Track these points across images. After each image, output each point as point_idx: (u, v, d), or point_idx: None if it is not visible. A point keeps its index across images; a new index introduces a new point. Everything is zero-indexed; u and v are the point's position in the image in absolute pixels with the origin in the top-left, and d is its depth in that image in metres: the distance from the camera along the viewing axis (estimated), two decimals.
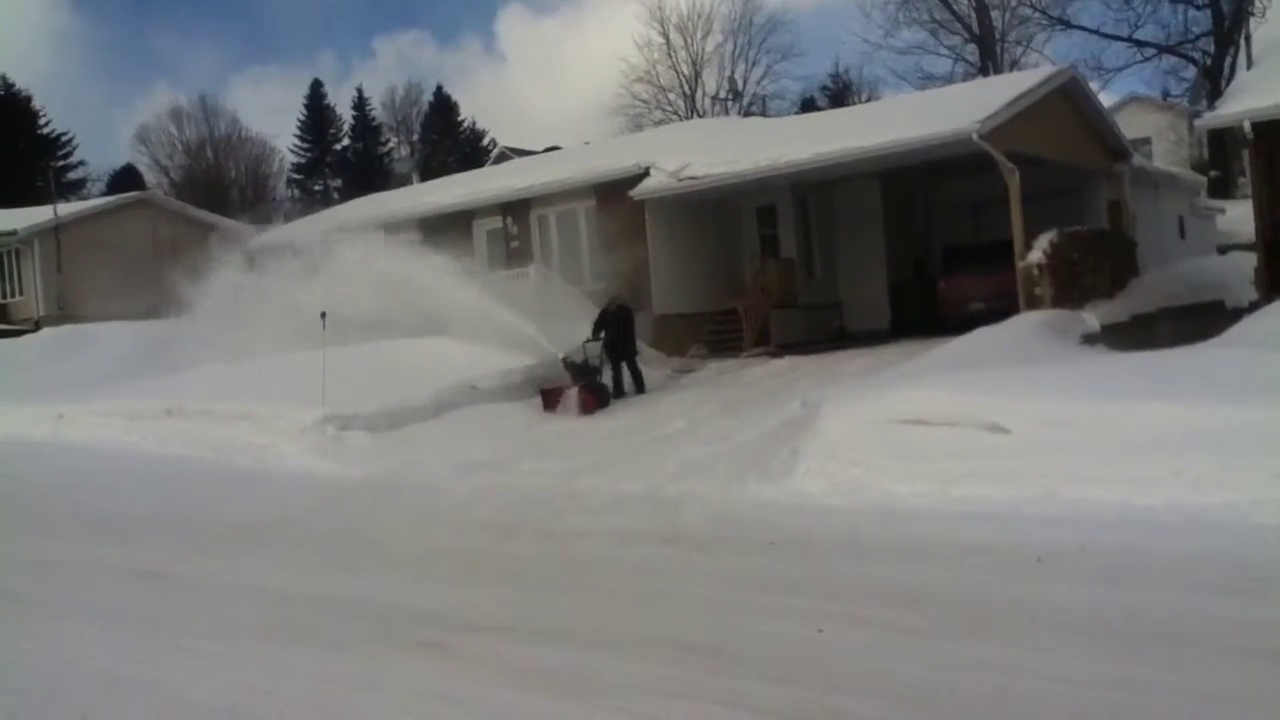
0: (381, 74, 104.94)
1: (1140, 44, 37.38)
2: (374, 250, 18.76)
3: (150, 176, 60.01)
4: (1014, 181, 16.66)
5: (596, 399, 15.41)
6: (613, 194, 20.71)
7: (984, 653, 5.26)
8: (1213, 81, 34.33)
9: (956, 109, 17.34)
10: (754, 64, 52.62)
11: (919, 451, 9.05)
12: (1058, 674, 4.89)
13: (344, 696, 5.29)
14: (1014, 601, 6.06)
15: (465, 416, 14.76)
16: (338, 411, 14.03)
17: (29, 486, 13.13)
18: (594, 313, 17.15)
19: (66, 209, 35.88)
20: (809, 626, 5.78)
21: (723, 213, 21.94)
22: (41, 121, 58.94)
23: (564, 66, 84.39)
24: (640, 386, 16.49)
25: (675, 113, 51.22)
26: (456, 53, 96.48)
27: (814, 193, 21.98)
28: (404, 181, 49.33)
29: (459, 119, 70.23)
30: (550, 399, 15.39)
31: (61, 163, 57.36)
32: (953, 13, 42.91)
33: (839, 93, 56.80)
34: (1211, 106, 22.25)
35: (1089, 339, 14.94)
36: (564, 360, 15.90)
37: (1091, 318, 15.93)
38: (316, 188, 68.12)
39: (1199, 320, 15.28)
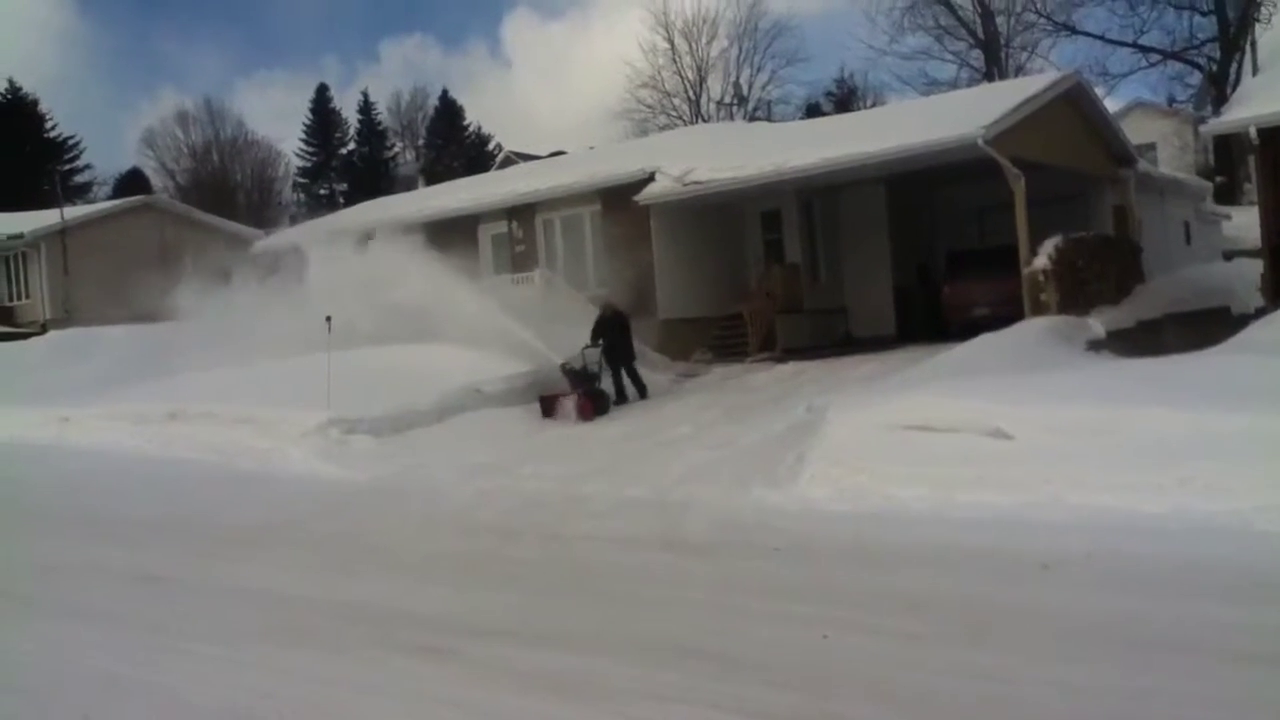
0: (387, 78, 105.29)
1: (1145, 50, 37.34)
2: (377, 255, 18.77)
3: (156, 180, 60.26)
4: (1019, 187, 16.64)
5: (595, 406, 15.38)
6: (618, 199, 20.72)
7: (987, 659, 5.25)
8: (1218, 87, 34.29)
9: (962, 114, 17.32)
10: (759, 69, 52.72)
11: (924, 457, 9.03)
12: (1061, 681, 4.88)
13: (345, 700, 5.29)
14: (1018, 608, 6.05)
15: (469, 421, 14.77)
16: (342, 415, 14.03)
17: (33, 489, 13.15)
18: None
19: (73, 212, 36.03)
20: (812, 632, 5.77)
21: (728, 218, 21.94)
22: (48, 125, 59.10)
23: (569, 71, 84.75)
24: (642, 392, 16.45)
25: (680, 118, 51.26)
26: (462, 57, 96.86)
27: (819, 198, 21.97)
28: (409, 186, 49.53)
29: (464, 123, 70.41)
30: (548, 405, 15.37)
31: (68, 166, 57.50)
32: (958, 18, 42.95)
33: (844, 98, 56.79)
34: (1217, 112, 22.20)
35: (1094, 345, 14.91)
36: (563, 367, 15.86)
37: (1097, 324, 15.90)
38: (322, 192, 68.25)
39: (1205, 326, 15.25)
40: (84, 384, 18.61)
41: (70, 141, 59.54)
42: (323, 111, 68.90)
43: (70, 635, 6.73)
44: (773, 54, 52.35)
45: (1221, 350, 11.34)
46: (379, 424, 14.15)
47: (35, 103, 58.95)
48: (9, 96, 58.05)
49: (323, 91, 69.54)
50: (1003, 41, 42.84)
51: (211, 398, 15.72)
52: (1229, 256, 26.51)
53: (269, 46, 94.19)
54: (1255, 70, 17.93)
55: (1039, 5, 39.94)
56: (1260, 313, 14.59)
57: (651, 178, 20.28)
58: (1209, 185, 29.90)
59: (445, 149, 67.98)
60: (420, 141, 70.22)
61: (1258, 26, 28.80)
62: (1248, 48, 33.73)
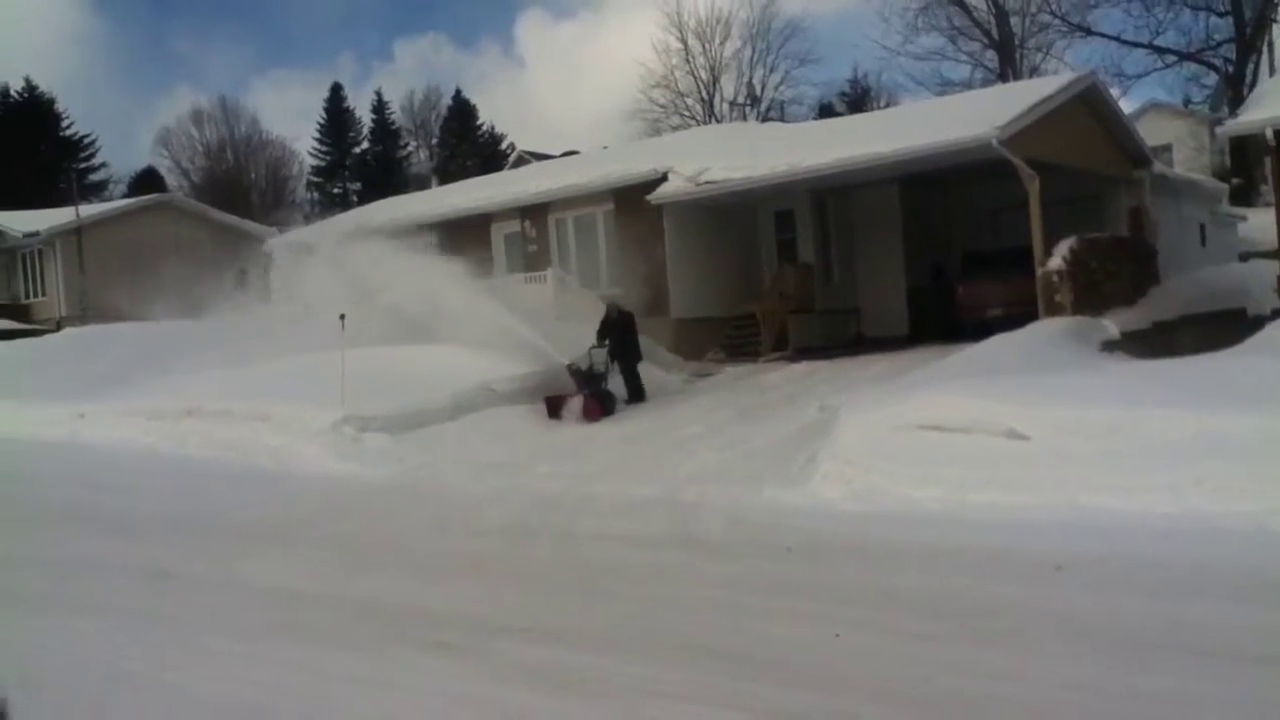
0: (401, 77, 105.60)
1: (1161, 51, 37.18)
2: (389, 255, 18.81)
3: (171, 179, 60.59)
4: (1034, 188, 16.59)
5: (601, 406, 15.35)
6: (631, 198, 20.73)
7: (999, 659, 5.24)
8: (1234, 88, 34.12)
9: (976, 115, 17.27)
10: (772, 69, 52.62)
11: (937, 458, 9.02)
12: (1073, 681, 4.86)
13: (357, 696, 5.31)
14: (1031, 609, 6.04)
15: (482, 419, 14.78)
16: (356, 413, 14.07)
17: (48, 485, 13.21)
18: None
19: (88, 211, 36.27)
20: (824, 631, 5.77)
21: (741, 218, 21.93)
22: (64, 124, 59.52)
23: (582, 71, 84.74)
24: (639, 395, 16.30)
25: (693, 118, 51.23)
26: (475, 56, 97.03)
27: (832, 198, 21.94)
28: (422, 185, 49.63)
29: (478, 123, 70.51)
30: (554, 406, 15.33)
31: (83, 165, 57.88)
32: (972, 19, 42.81)
33: (857, 98, 56.69)
34: (1233, 113, 22.07)
35: (1109, 346, 14.86)
36: (569, 367, 15.81)
37: (1111, 325, 15.83)
38: (336, 190, 68.49)
39: (1220, 328, 15.17)
40: (99, 381, 18.68)
41: (86, 140, 60.02)
42: (337, 110, 69.12)
43: (83, 630, 6.76)
44: (786, 54, 52.32)
45: (1237, 352, 11.29)
46: (392, 422, 14.18)
47: (51, 101, 59.42)
48: (25, 95, 58.47)
49: (337, 90, 69.88)
50: (1017, 42, 42.68)
51: (226, 395, 15.77)
52: (1245, 258, 26.35)
53: (284, 45, 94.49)
54: (1272, 71, 17.86)
55: (1054, 6, 39.86)
56: (1276, 314, 14.52)
57: (664, 177, 20.28)
58: (1225, 187, 29.72)
59: (458, 148, 68.10)
60: (433, 141, 70.38)
61: (1275, 27, 28.65)
62: (1264, 48, 33.61)
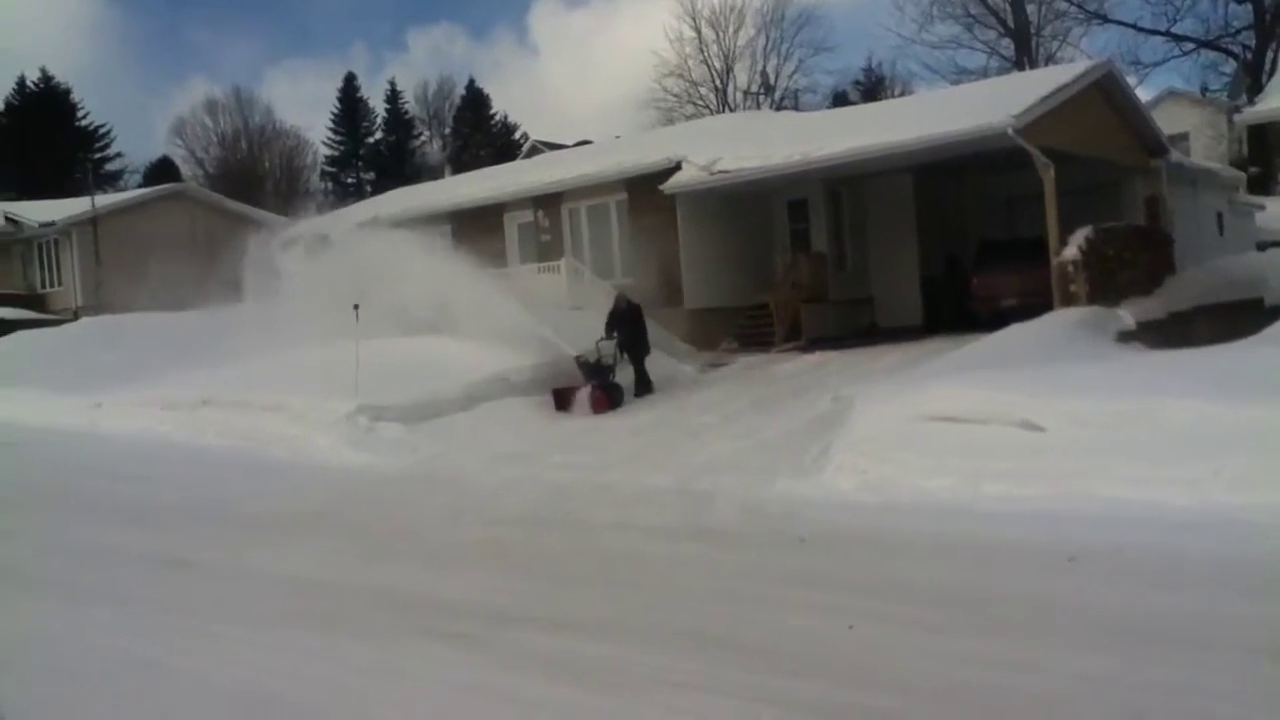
0: (414, 67, 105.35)
1: (1179, 38, 36.87)
2: (401, 246, 18.80)
3: (186, 169, 60.75)
4: (1049, 177, 16.49)
5: (609, 398, 15.29)
6: (644, 188, 20.70)
7: (1013, 651, 5.22)
8: (1253, 76, 33.82)
9: (991, 103, 17.15)
10: (786, 58, 52.40)
11: (951, 449, 8.99)
12: (1087, 674, 4.85)
13: (371, 684, 5.33)
14: (1046, 601, 6.02)
15: (494, 409, 14.79)
16: (370, 403, 14.11)
17: (65, 475, 13.31)
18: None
19: (104, 201, 36.41)
20: (837, 622, 5.76)
21: (754, 207, 21.87)
22: (80, 114, 59.74)
23: (596, 60, 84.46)
24: (647, 387, 16.20)
25: (706, 107, 51.08)
26: (489, 46, 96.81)
27: (846, 187, 21.86)
28: (436, 175, 49.66)
29: (491, 113, 70.44)
30: (562, 398, 15.30)
31: (99, 155, 58.12)
32: (987, 7, 42.49)
33: (872, 87, 56.45)
34: (1251, 101, 21.92)
35: (1125, 336, 14.76)
36: (577, 359, 15.74)
37: (1127, 315, 15.73)
38: (349, 180, 68.56)
39: (1237, 318, 15.06)
40: (116, 370, 18.79)
41: (101, 130, 60.24)
42: (350, 100, 69.15)
43: (100, 619, 6.81)
44: (800, 43, 52.11)
45: (1254, 342, 11.22)
46: (406, 412, 14.22)
47: (67, 92, 59.65)
48: (41, 86, 58.69)
49: (350, 80, 69.87)
50: (1033, 30, 42.37)
51: (242, 385, 15.84)
52: (1262, 247, 26.14)
53: (298, 35, 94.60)
54: None
55: None
56: None
57: (678, 167, 20.23)
58: (1243, 176, 29.50)
59: (472, 138, 68.06)
60: (447, 131, 70.33)
61: None
62: None
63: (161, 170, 58.45)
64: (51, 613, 7.01)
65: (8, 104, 57.63)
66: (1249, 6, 35.28)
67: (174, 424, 15.49)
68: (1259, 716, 4.43)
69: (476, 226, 23.55)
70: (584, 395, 15.18)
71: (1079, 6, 39.61)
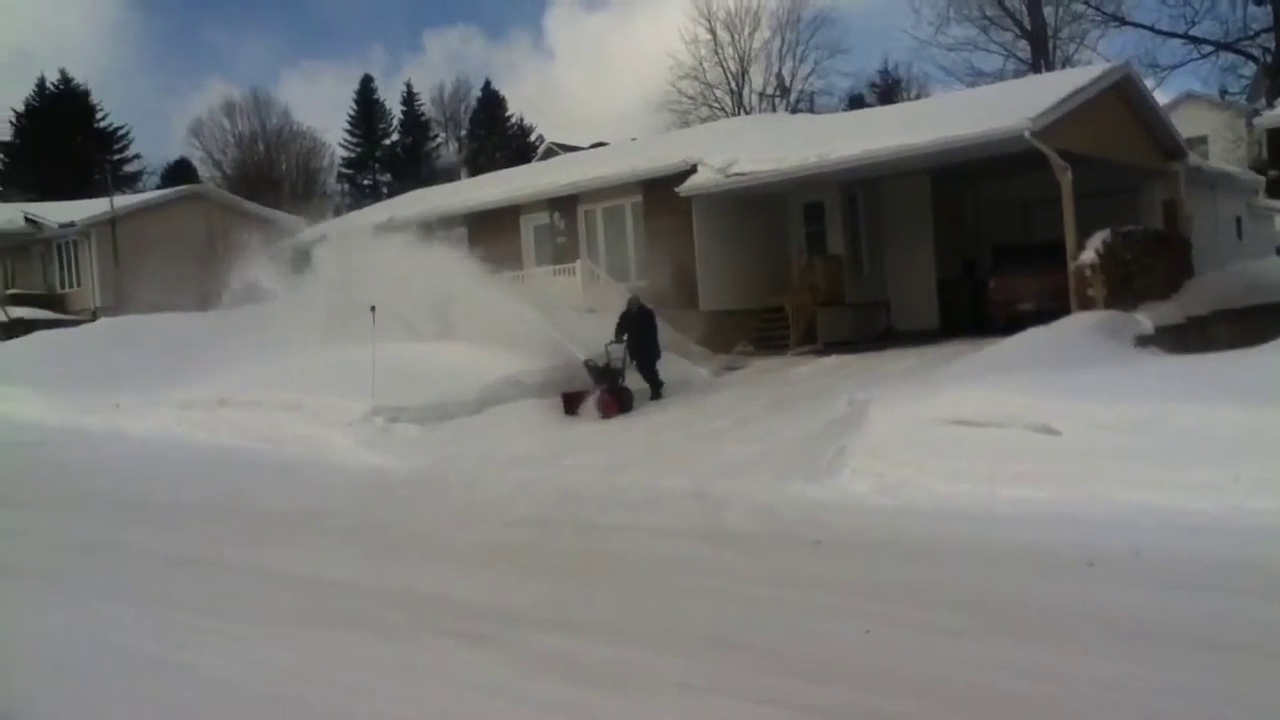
0: (431, 69, 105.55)
1: (1197, 41, 36.59)
2: (415, 250, 18.83)
3: (203, 170, 61.05)
4: (1066, 180, 16.42)
5: (618, 403, 15.27)
6: (660, 190, 20.72)
7: (1030, 656, 5.20)
8: (1273, 79, 33.56)
9: (1008, 106, 17.11)
10: (801, 60, 52.31)
11: (968, 452, 8.95)
12: (1106, 679, 4.82)
13: (385, 684, 5.34)
14: (1062, 605, 5.98)
15: (509, 411, 14.81)
16: (385, 403, 14.15)
17: (83, 474, 13.40)
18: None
19: (122, 202, 36.65)
20: (853, 626, 5.75)
21: (770, 209, 21.87)
22: (99, 115, 60.11)
23: (611, 63, 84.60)
24: (656, 392, 16.19)
25: (722, 109, 51.03)
26: (505, 48, 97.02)
27: (862, 190, 21.84)
28: (452, 177, 49.75)
29: (507, 115, 70.56)
30: (571, 402, 15.25)
31: (117, 156, 58.51)
32: (1004, 9, 42.32)
33: (887, 89, 56.33)
34: (1271, 104, 21.80)
35: (1142, 341, 14.68)
36: (586, 363, 15.69)
37: (1145, 319, 15.66)
38: (366, 182, 68.80)
39: (1256, 322, 14.98)
40: (134, 370, 18.90)
41: (120, 132, 60.61)
42: (367, 102, 69.39)
43: (115, 617, 6.85)
44: (815, 45, 52.02)
45: (1273, 347, 11.12)
46: (421, 413, 14.26)
47: (86, 93, 60.07)
48: (61, 87, 59.11)
49: (367, 82, 70.10)
50: (1050, 32, 42.17)
51: (258, 385, 15.91)
52: None
53: (315, 37, 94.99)
54: None
55: None
56: None
57: (693, 169, 20.24)
58: (1261, 179, 29.26)
59: (487, 140, 68.19)
60: (463, 133, 70.49)
61: None
62: None
63: (179, 171, 58.78)
64: (65, 610, 7.05)
65: (28, 106, 58.10)
66: (1268, 8, 35.00)
67: (191, 423, 15.58)
68: None
69: (492, 228, 23.63)
70: (593, 400, 15.17)
71: (1096, 9, 39.41)
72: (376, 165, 69.68)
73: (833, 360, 17.55)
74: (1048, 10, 41.97)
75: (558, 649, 5.74)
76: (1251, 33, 36.09)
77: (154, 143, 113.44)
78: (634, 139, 35.47)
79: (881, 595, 6.41)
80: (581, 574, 7.57)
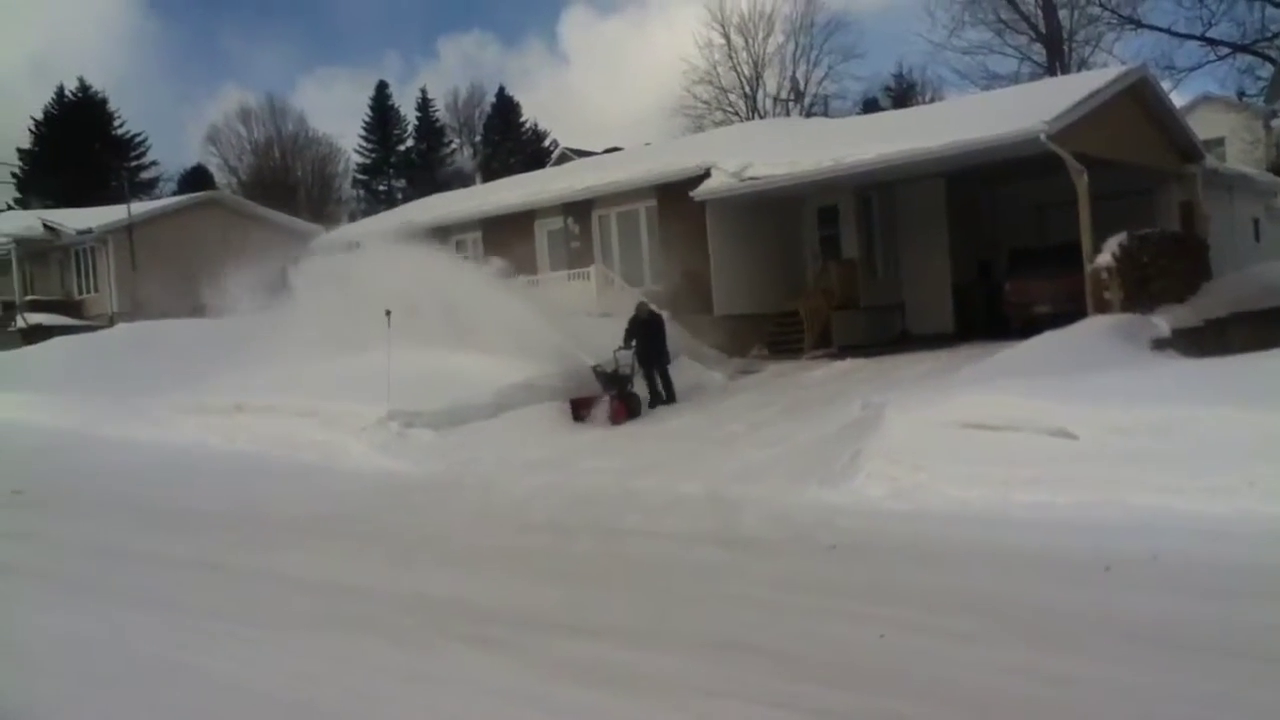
0: (445, 75, 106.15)
1: (1214, 43, 36.30)
2: (428, 258, 18.84)
3: (219, 176, 61.47)
4: (1082, 183, 16.35)
5: (627, 409, 15.22)
6: (674, 194, 20.71)
7: (1046, 661, 5.17)
8: None
9: (1024, 109, 17.04)
10: (815, 64, 52.15)
11: (983, 456, 8.92)
12: (1123, 684, 4.79)
13: (401, 689, 5.36)
14: (1079, 610, 5.95)
15: (524, 416, 14.83)
16: (401, 409, 14.19)
17: (100, 479, 13.47)
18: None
19: (140, 208, 36.89)
20: (868, 630, 5.73)
21: (784, 213, 21.84)
22: (116, 123, 60.56)
23: (625, 68, 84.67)
24: (670, 396, 16.14)
25: (736, 113, 50.97)
26: (519, 54, 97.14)
27: (877, 193, 21.79)
28: (466, 182, 49.88)
29: (521, 120, 70.72)
30: (580, 409, 15.22)
31: (135, 163, 58.93)
32: (1019, 12, 42.15)
33: (902, 93, 56.18)
34: None
35: (1159, 344, 14.59)
36: (595, 369, 15.65)
37: (1162, 322, 15.55)
38: (381, 188, 69.09)
39: (1274, 325, 14.89)
40: (150, 376, 19.00)
41: (137, 139, 61.10)
42: (382, 108, 69.70)
43: (131, 621, 6.89)
44: (829, 49, 51.84)
45: None
46: (436, 418, 14.30)
47: (104, 101, 60.59)
48: (79, 95, 59.60)
49: (382, 89, 70.44)
50: (1065, 35, 41.97)
51: (274, 390, 15.99)
52: None
53: (330, 44, 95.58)
54: None
55: None
56: None
57: (708, 173, 20.22)
58: None
59: (501, 145, 68.36)
60: (477, 138, 70.71)
61: None
62: None
63: (196, 178, 59.17)
64: (84, 616, 7.09)
65: (46, 114, 58.66)
66: None
67: (207, 429, 15.66)
68: None
69: (507, 234, 23.68)
70: (601, 406, 15.15)
71: (1112, 11, 39.13)
72: (391, 171, 69.98)
73: (847, 364, 17.52)
74: (1063, 13, 41.77)
75: (573, 653, 5.75)
76: (1269, 34, 35.83)
77: (171, 150, 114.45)
78: (648, 144, 35.48)
79: (896, 599, 6.39)
80: (597, 578, 7.57)
